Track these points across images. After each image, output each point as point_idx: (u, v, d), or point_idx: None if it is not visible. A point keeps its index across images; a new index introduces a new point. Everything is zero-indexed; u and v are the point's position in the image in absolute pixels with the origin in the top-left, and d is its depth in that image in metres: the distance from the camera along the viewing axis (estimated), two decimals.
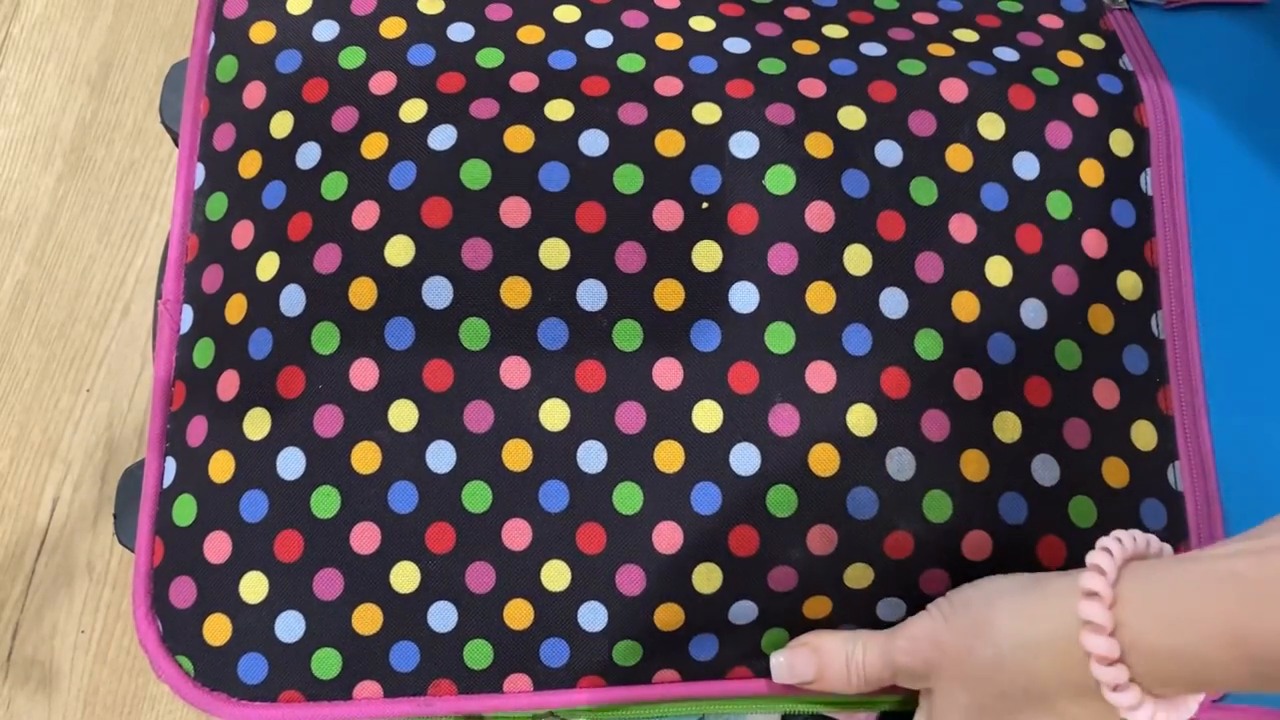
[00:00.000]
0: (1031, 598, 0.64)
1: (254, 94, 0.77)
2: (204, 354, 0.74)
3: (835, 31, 0.79)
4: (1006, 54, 0.78)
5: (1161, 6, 0.82)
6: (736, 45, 0.77)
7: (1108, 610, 0.59)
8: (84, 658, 1.10)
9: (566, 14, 0.78)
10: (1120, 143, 0.76)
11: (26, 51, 1.27)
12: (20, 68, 1.26)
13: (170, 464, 0.74)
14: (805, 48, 0.77)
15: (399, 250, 0.72)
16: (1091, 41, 0.80)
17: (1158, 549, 0.63)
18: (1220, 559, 0.58)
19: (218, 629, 0.72)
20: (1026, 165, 0.75)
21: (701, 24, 0.78)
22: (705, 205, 0.72)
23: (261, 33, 0.78)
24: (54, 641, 1.11)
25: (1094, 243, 0.75)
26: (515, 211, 0.72)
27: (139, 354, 1.18)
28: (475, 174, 0.72)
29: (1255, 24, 0.82)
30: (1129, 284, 0.75)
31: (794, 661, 0.71)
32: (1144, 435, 0.74)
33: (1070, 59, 0.79)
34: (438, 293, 0.71)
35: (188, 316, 0.76)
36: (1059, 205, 0.74)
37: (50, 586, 1.11)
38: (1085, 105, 0.77)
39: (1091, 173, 0.75)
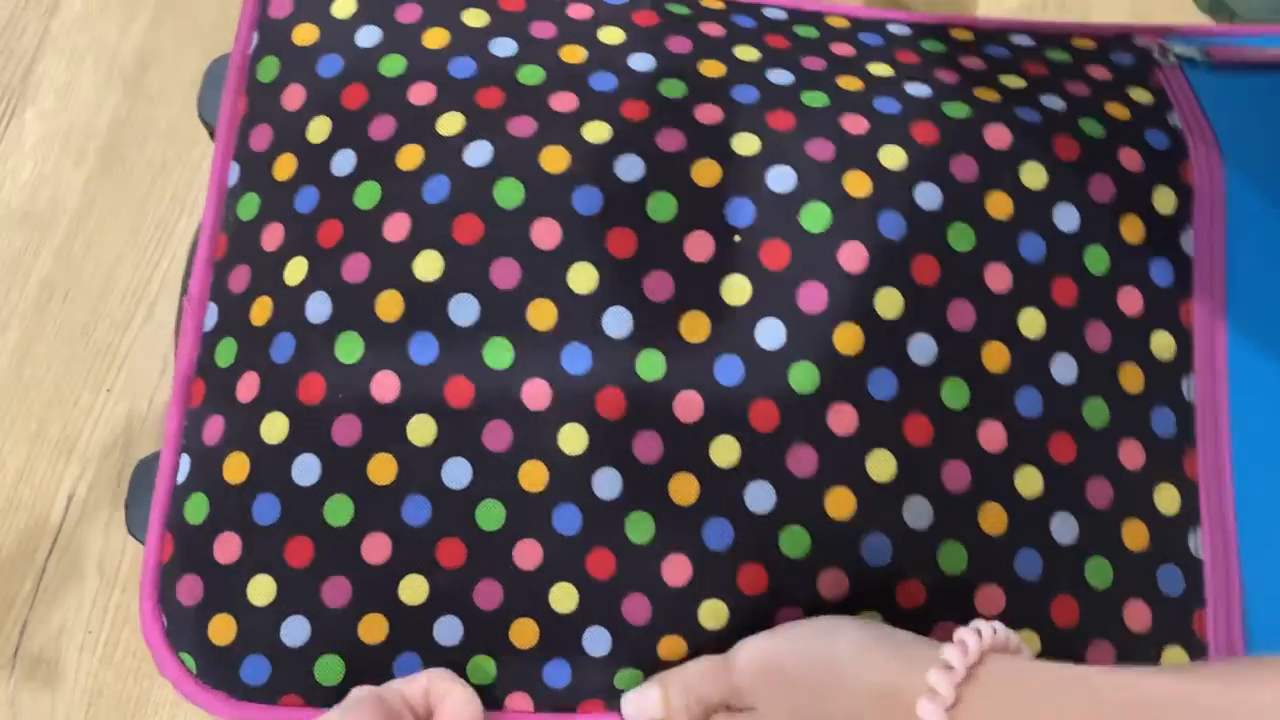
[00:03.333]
0: (882, 651, 0.62)
1: (293, 96, 0.77)
2: (226, 353, 0.74)
3: (880, 70, 0.78)
4: (1053, 103, 0.77)
5: (1211, 65, 0.81)
6: (780, 76, 0.76)
7: (943, 713, 0.57)
8: (90, 658, 1.10)
9: (611, 35, 0.77)
10: (1163, 200, 0.75)
11: (65, 47, 1.27)
12: (58, 63, 1.26)
13: (185, 461, 0.74)
14: (850, 83, 0.76)
15: (428, 265, 0.71)
16: (1140, 96, 0.79)
17: (1016, 645, 0.62)
18: (1074, 672, 0.57)
19: (223, 629, 0.72)
20: (1067, 217, 0.73)
21: (746, 53, 0.77)
22: (737, 238, 0.71)
23: (304, 35, 0.78)
24: (60, 640, 1.10)
25: (1129, 300, 0.74)
26: (546, 233, 0.71)
27: (161, 357, 1.18)
28: (509, 193, 0.72)
29: None
30: (1162, 344, 0.74)
31: (641, 700, 0.70)
32: (1167, 499, 0.73)
33: (1118, 111, 0.77)
34: (464, 310, 0.71)
35: (212, 314, 0.76)
36: (1096, 260, 0.73)
37: (60, 585, 1.11)
38: (1130, 159, 0.75)
39: (1132, 229, 0.74)
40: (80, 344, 1.17)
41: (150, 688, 1.09)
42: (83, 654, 1.10)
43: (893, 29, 0.82)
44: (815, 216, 0.71)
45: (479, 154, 0.73)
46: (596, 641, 0.71)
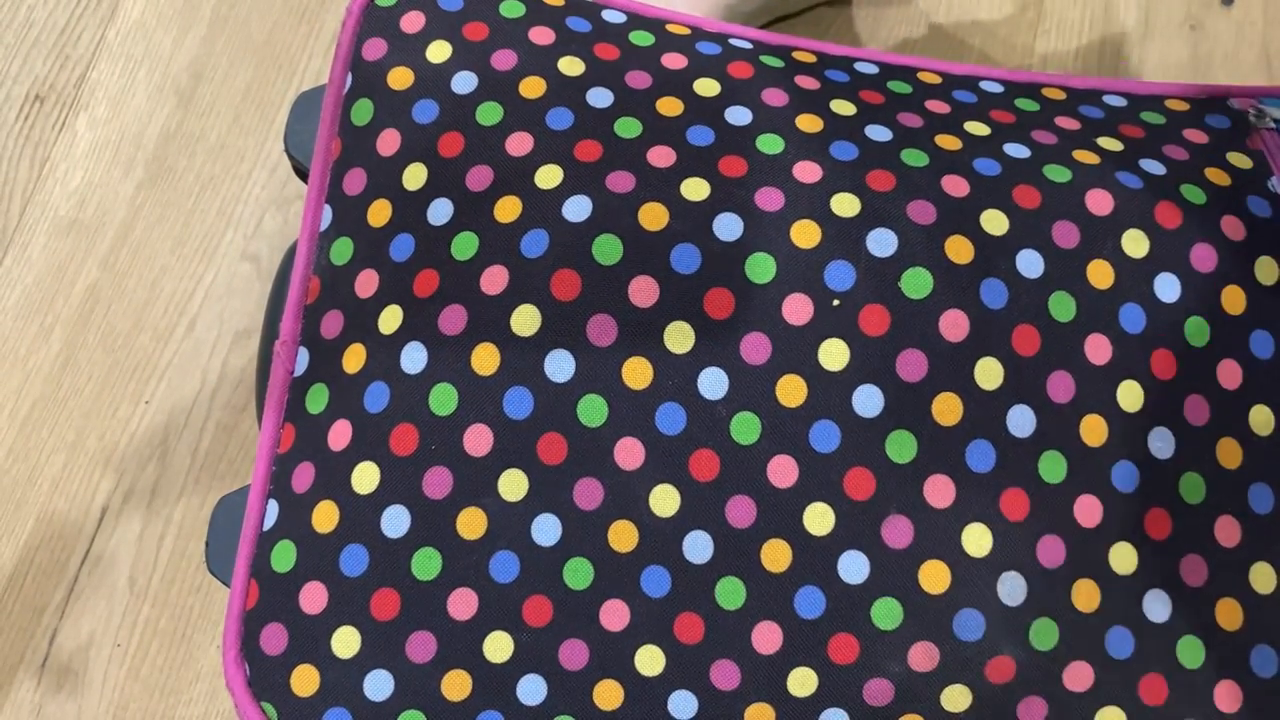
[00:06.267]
0: None
1: (388, 142, 0.76)
2: (317, 400, 0.73)
3: (977, 129, 0.77)
4: (1153, 167, 0.75)
5: None
6: (878, 133, 0.75)
7: None
8: (117, 671, 1.09)
9: (706, 88, 0.76)
10: (1265, 270, 0.74)
11: (120, 56, 1.26)
12: (112, 71, 1.25)
13: (273, 507, 0.73)
14: (948, 142, 0.75)
15: (525, 320, 0.70)
16: (1239, 160, 0.77)
17: None
18: None
19: (306, 680, 0.71)
20: (1168, 287, 0.72)
21: (843, 108, 0.76)
22: (836, 303, 0.70)
23: (400, 79, 0.77)
24: (89, 652, 1.10)
25: (1229, 374, 0.72)
26: (643, 292, 0.70)
27: (200, 371, 1.17)
28: (607, 249, 0.71)
29: None
30: (1261, 419, 0.72)
31: None
32: (1263, 578, 0.71)
33: (1218, 177, 0.76)
34: (560, 366, 0.70)
35: (303, 359, 0.75)
36: (1197, 332, 0.72)
37: (91, 596, 1.10)
38: (1233, 228, 0.74)
39: (1233, 300, 0.73)
40: (121, 354, 1.17)
41: (176, 704, 1.09)
42: (110, 666, 1.10)
43: (985, 86, 0.81)
44: (917, 282, 0.70)
45: (577, 209, 0.72)
46: (682, 706, 0.70)
